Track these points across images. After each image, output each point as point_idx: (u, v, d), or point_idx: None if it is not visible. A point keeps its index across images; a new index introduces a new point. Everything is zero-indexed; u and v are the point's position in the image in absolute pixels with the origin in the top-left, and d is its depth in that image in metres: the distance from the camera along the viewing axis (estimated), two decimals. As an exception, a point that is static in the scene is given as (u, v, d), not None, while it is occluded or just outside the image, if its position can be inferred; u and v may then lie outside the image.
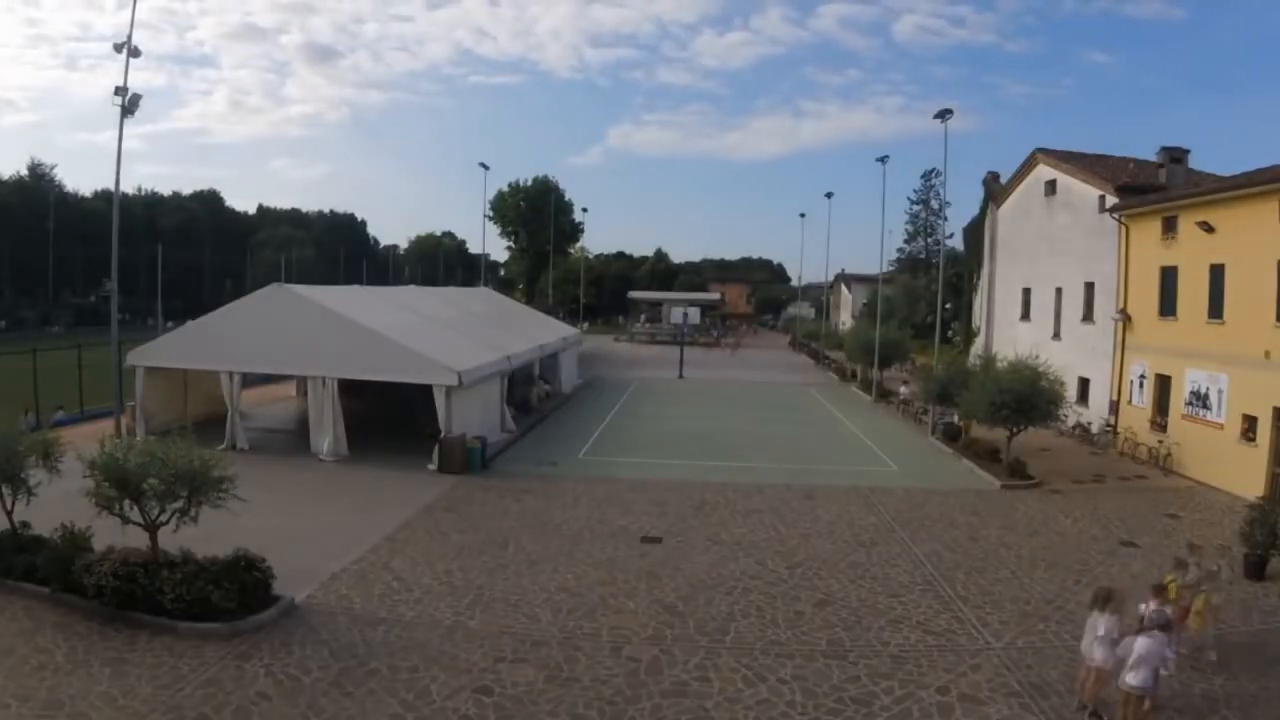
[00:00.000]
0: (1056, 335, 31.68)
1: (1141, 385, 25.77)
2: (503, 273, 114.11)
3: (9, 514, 13.22)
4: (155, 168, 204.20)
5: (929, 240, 73.25)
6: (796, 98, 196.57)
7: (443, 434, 20.68)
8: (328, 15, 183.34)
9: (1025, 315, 35.20)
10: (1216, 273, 22.27)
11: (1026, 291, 35.32)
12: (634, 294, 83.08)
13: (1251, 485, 19.26)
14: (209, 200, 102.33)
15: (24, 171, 78.49)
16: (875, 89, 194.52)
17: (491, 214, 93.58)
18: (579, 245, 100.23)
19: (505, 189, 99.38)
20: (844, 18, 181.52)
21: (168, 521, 11.79)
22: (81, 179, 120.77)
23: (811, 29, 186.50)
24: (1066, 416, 25.90)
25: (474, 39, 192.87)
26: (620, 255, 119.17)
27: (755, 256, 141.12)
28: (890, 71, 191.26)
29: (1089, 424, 27.94)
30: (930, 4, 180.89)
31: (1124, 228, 27.25)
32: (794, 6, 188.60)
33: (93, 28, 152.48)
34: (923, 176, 73.11)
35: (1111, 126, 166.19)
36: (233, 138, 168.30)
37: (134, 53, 23.20)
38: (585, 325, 60.71)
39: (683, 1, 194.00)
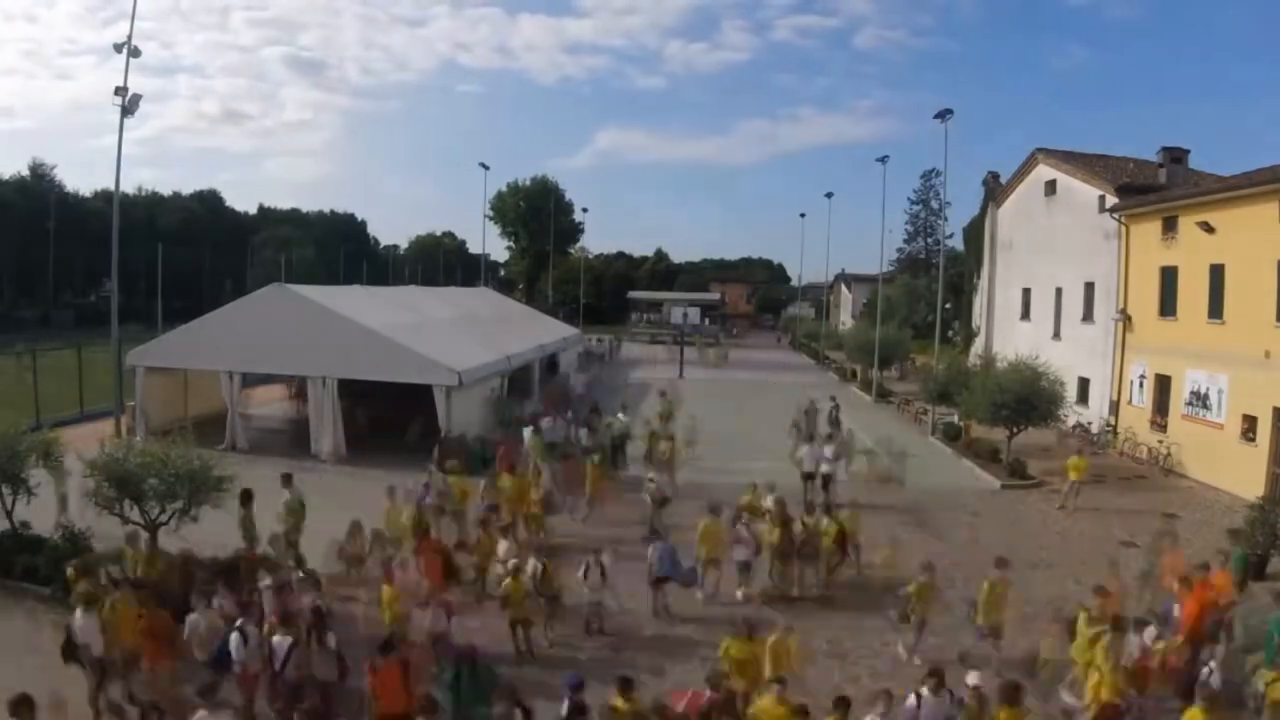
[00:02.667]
0: (1056, 335, 31.69)
1: (1141, 385, 25.78)
2: (503, 273, 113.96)
3: (9, 514, 13.23)
4: (154, 172, 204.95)
5: (929, 240, 73.32)
6: (774, 104, 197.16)
7: (443, 434, 20.68)
8: (312, 31, 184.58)
9: (1025, 315, 35.22)
10: (1216, 273, 22.28)
11: (1026, 291, 35.35)
12: (634, 294, 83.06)
13: (1251, 485, 19.26)
14: (209, 200, 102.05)
15: (24, 172, 78.41)
16: (848, 93, 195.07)
17: (491, 214, 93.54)
18: (579, 245, 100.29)
19: (505, 189, 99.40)
20: (803, 28, 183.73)
21: (168, 521, 11.81)
22: (81, 181, 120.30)
23: (771, 39, 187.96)
24: (1066, 416, 25.92)
25: (454, 50, 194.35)
26: (620, 255, 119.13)
27: (755, 256, 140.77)
28: (861, 79, 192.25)
29: (1089, 424, 27.94)
30: (890, 15, 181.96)
31: (1124, 228, 27.26)
32: (749, 18, 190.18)
33: (83, 40, 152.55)
34: (922, 176, 73.27)
35: (1101, 127, 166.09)
36: (230, 141, 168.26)
37: (134, 53, 23.24)
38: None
39: (651, 17, 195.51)
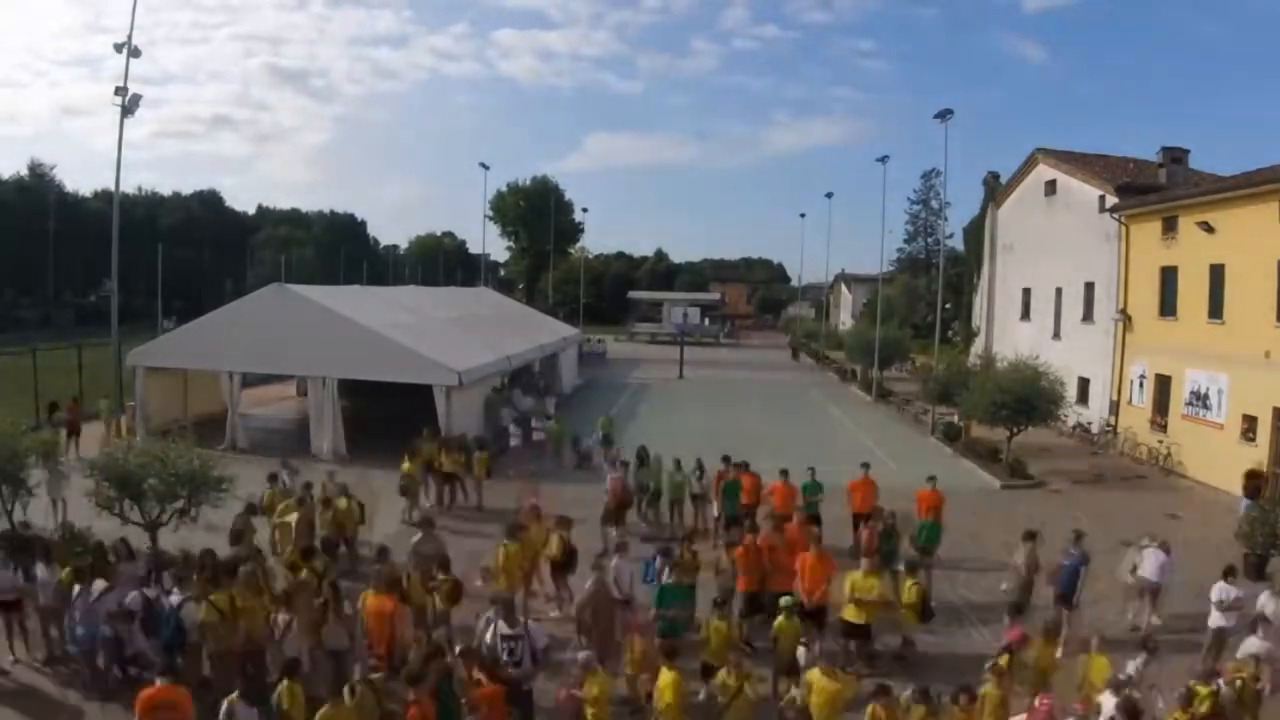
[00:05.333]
0: (1056, 335, 31.69)
1: (1141, 385, 25.78)
2: (503, 273, 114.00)
3: (9, 514, 13.22)
4: (152, 175, 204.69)
5: (929, 240, 73.21)
6: (755, 108, 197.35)
7: (443, 434, 20.66)
8: (297, 45, 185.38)
9: (1025, 315, 35.22)
10: (1216, 273, 22.30)
11: (1026, 291, 35.34)
12: (634, 294, 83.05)
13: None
14: (209, 200, 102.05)
15: (24, 172, 78.39)
16: (825, 98, 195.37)
17: (491, 214, 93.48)
18: (579, 245, 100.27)
19: (505, 189, 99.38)
20: (769, 39, 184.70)
21: (167, 521, 11.81)
22: (81, 181, 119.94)
23: (740, 48, 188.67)
24: (1066, 416, 25.90)
25: (439, 62, 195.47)
26: (620, 255, 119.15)
27: (755, 256, 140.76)
28: (839, 83, 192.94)
29: (1089, 424, 27.94)
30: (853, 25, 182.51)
31: (1124, 228, 27.26)
32: (713, 30, 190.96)
33: (72, 49, 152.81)
34: (923, 177, 73.16)
35: (1097, 127, 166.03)
36: (227, 145, 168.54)
37: (134, 53, 23.26)
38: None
39: (622, 32, 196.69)
